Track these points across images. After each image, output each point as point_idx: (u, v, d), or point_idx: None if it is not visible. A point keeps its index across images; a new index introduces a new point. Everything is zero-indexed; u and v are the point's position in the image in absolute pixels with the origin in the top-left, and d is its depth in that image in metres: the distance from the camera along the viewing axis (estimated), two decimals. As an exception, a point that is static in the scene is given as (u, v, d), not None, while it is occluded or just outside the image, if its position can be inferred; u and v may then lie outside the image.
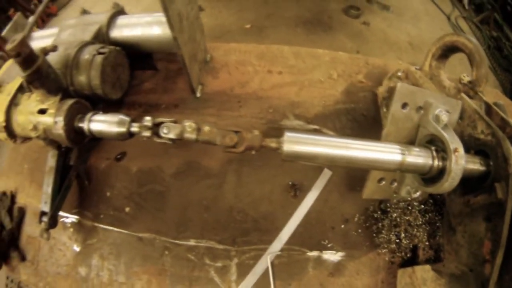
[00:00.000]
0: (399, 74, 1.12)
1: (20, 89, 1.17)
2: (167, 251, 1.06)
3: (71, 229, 1.22)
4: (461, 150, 0.68)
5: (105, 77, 1.07)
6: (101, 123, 0.93)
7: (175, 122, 0.78)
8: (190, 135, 0.79)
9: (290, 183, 1.11)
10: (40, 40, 1.54)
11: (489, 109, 0.87)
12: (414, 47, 2.04)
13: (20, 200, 1.47)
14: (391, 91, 1.18)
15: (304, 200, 1.10)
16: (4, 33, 1.47)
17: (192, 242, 1.06)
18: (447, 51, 1.02)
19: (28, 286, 1.40)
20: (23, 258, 1.35)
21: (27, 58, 0.94)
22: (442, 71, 1.00)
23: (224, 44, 1.34)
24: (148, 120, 0.83)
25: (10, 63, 1.39)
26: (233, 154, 0.77)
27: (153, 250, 1.07)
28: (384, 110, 1.18)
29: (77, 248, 1.19)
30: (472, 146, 0.84)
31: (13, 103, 1.13)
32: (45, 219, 1.16)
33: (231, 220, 1.07)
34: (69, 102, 1.00)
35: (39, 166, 1.49)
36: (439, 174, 0.76)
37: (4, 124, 1.12)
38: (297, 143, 0.74)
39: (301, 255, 1.05)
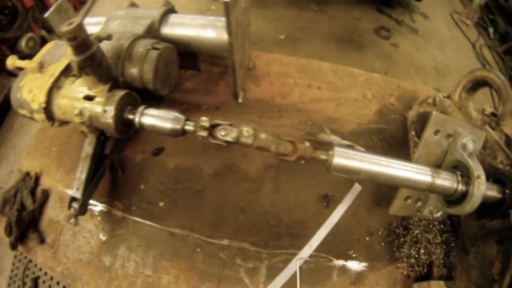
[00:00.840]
0: (429, 100, 1.27)
1: (64, 72, 1.23)
2: (199, 248, 1.16)
3: (99, 218, 1.30)
4: (483, 177, 0.84)
5: (157, 73, 1.18)
6: (155, 118, 1.00)
7: (231, 125, 0.88)
8: (246, 140, 0.90)
9: (324, 194, 1.24)
10: (86, 26, 1.60)
11: (509, 141, 1.03)
12: (439, 73, 2.26)
13: (45, 183, 1.53)
14: (421, 116, 1.35)
15: (335, 211, 1.24)
16: (47, 14, 1.54)
17: (225, 242, 1.17)
18: (476, 85, 1.19)
19: (43, 269, 1.43)
20: (42, 241, 1.43)
21: (82, 43, 0.98)
22: (470, 103, 1.17)
23: (267, 53, 1.47)
24: (205, 120, 0.94)
25: (51, 44, 1.44)
26: (282, 161, 0.88)
27: (184, 246, 1.16)
28: (413, 133, 1.34)
29: (103, 237, 1.26)
30: (491, 174, 1.00)
31: (55, 86, 1.19)
32: (75, 205, 1.22)
33: (265, 223, 1.19)
34: (121, 92, 1.06)
35: (68, 151, 1.56)
36: (461, 197, 0.91)
37: (44, 105, 1.17)
38: (345, 157, 0.87)
39: (327, 262, 1.18)
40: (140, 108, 1.01)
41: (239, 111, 1.38)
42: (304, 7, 2.45)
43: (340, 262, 1.21)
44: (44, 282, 1.70)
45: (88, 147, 1.30)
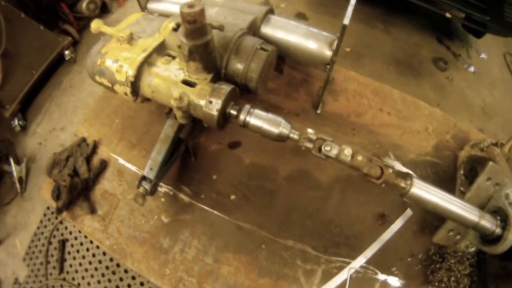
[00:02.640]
0: (481, 146, 1.57)
1: (157, 49, 1.33)
2: (264, 245, 1.38)
3: (162, 199, 1.47)
4: None
5: (262, 73, 1.31)
6: (263, 120, 1.13)
7: (333, 141, 1.06)
8: (344, 158, 1.12)
9: (381, 212, 1.50)
10: (171, 4, 1.68)
11: None
12: (485, 113, 2.66)
13: (102, 153, 1.66)
14: (471, 159, 1.65)
15: (388, 230, 1.53)
16: None
17: (289, 243, 1.40)
18: None
19: (86, 237, 1.53)
20: (92, 211, 1.54)
21: (200, 29, 1.05)
22: None
23: (344, 69, 1.68)
24: (312, 133, 1.12)
25: (139, 16, 1.53)
26: (368, 181, 1.13)
27: (250, 241, 1.39)
28: (461, 172, 1.66)
29: (164, 219, 1.45)
30: None
31: (147, 61, 1.26)
32: (146, 185, 1.39)
33: (328, 231, 1.44)
34: (228, 87, 1.16)
35: (133, 126, 1.70)
36: (496, 238, 1.21)
37: (132, 79, 1.23)
38: (421, 189, 1.15)
39: (373, 274, 1.47)
40: (247, 107, 1.16)
41: (317, 121, 1.60)
42: (371, 24, 2.79)
43: (383, 277, 1.51)
44: (72, 246, 1.85)
45: (169, 129, 1.43)
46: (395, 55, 2.85)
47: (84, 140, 1.81)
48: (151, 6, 1.83)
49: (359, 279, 1.50)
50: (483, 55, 3.19)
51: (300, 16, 3.00)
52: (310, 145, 1.10)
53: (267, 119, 1.12)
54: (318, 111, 1.69)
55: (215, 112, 1.10)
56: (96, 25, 1.38)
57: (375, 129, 1.71)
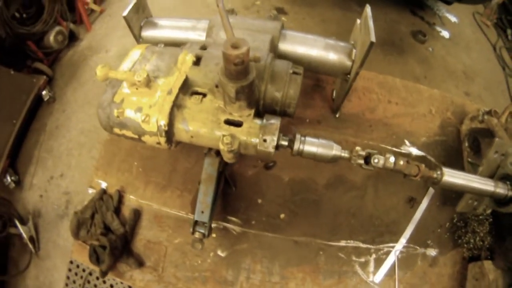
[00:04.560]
0: (480, 118, 1.79)
1: (182, 88, 1.23)
2: (321, 251, 1.52)
3: (214, 235, 1.53)
4: None
5: (298, 97, 1.31)
6: (317, 147, 1.18)
7: (379, 153, 1.25)
8: (389, 165, 1.25)
9: (410, 197, 1.69)
10: (179, 31, 1.63)
11: None
12: (467, 77, 2.96)
13: (130, 202, 1.64)
14: (473, 131, 1.86)
15: (417, 210, 1.70)
16: (125, 14, 1.60)
17: (342, 243, 1.55)
18: None
19: (122, 283, 1.65)
20: (140, 264, 1.52)
21: (246, 68, 1.01)
22: None
23: None
24: (360, 149, 1.24)
25: (143, 49, 1.43)
26: (408, 179, 1.29)
27: (308, 251, 1.51)
28: (466, 144, 1.86)
29: (222, 254, 1.49)
30: None
31: (175, 105, 1.17)
32: (201, 229, 1.38)
33: (371, 224, 1.61)
34: (277, 121, 1.17)
35: (156, 166, 1.68)
36: (509, 199, 1.48)
37: (166, 128, 1.14)
38: (450, 176, 1.34)
39: (414, 251, 1.68)
40: (298, 137, 1.20)
41: (338, 125, 1.72)
42: (347, 8, 2.96)
43: (422, 250, 1.74)
44: None
45: (210, 168, 1.44)
46: (378, 36, 2.99)
47: (104, 192, 1.71)
48: (146, 34, 1.73)
49: (404, 258, 1.71)
50: (454, 19, 3.48)
51: (280, 11, 3.01)
52: (361, 161, 1.19)
53: (320, 145, 1.18)
54: (337, 115, 1.81)
55: (271, 150, 1.12)
56: (102, 72, 1.17)
57: (389, 121, 1.89)
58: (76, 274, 2.14)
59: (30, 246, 2.25)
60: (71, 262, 2.16)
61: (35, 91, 2.48)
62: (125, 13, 1.59)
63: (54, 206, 2.36)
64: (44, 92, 2.53)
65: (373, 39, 1.28)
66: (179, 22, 1.69)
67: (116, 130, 1.23)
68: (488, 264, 1.72)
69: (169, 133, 1.17)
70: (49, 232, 2.33)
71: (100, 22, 2.95)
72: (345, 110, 1.83)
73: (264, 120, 1.16)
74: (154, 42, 1.67)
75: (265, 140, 1.11)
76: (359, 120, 1.83)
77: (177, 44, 1.59)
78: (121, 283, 1.95)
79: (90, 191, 1.75)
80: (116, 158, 1.76)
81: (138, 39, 1.75)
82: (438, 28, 3.25)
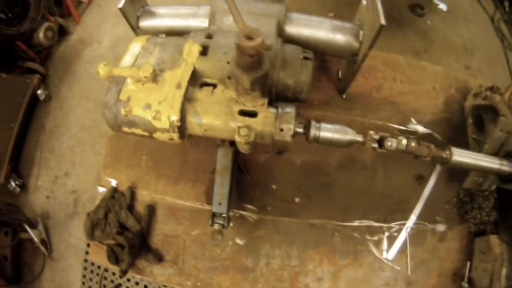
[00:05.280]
0: (483, 95, 1.81)
1: (190, 81, 1.16)
2: (336, 232, 1.56)
3: (231, 224, 1.53)
4: None
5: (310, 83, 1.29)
6: (333, 132, 1.17)
7: (392, 136, 1.21)
8: (402, 147, 1.26)
9: (418, 174, 1.73)
10: (179, 18, 1.58)
11: None
12: (467, 50, 2.98)
13: (144, 197, 1.62)
14: (477, 108, 1.88)
15: (426, 187, 1.75)
16: (121, 5, 1.51)
17: (356, 223, 1.59)
18: None
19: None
20: (159, 259, 1.53)
21: (260, 59, 0.99)
22: None
23: None
24: (373, 133, 1.24)
25: (144, 42, 1.37)
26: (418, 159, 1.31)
27: (324, 234, 1.56)
28: (470, 121, 1.89)
29: (240, 242, 1.52)
30: None
31: (186, 98, 1.13)
32: (220, 220, 1.38)
33: (382, 203, 1.66)
34: (293, 109, 1.15)
35: (166, 159, 1.68)
36: None
37: (179, 124, 1.11)
38: (459, 155, 1.39)
39: (424, 227, 1.74)
40: (314, 123, 1.19)
41: (346, 106, 1.74)
42: None
43: (431, 226, 1.79)
44: None
45: (224, 159, 1.43)
46: (375, 10, 2.98)
47: (115, 190, 1.69)
48: (144, 24, 1.64)
49: (414, 234, 1.77)
50: None
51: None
52: (375, 145, 1.20)
53: (335, 130, 1.17)
54: (344, 96, 1.81)
55: (289, 139, 1.11)
56: (105, 70, 1.10)
57: (395, 99, 1.89)
58: (92, 271, 2.17)
59: (43, 249, 2.25)
60: (86, 261, 2.17)
61: (30, 91, 2.43)
62: (120, 5, 1.49)
63: (62, 206, 2.35)
64: (39, 92, 2.49)
65: (383, 22, 1.24)
66: (179, 9, 1.61)
67: (125, 129, 1.20)
68: (494, 239, 1.78)
69: (182, 128, 1.14)
70: (60, 232, 2.33)
71: (89, 13, 2.86)
72: (352, 90, 1.81)
73: (279, 109, 1.14)
74: (154, 32, 1.57)
75: (281, 130, 1.09)
76: (366, 100, 1.83)
77: (178, 33, 1.54)
78: (133, 276, 1.97)
79: (100, 189, 1.72)
80: (123, 153, 1.74)
81: (136, 30, 1.66)
82: (436, 1, 3.22)
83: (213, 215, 1.36)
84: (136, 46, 1.36)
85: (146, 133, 1.17)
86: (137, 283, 2.07)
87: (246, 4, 1.54)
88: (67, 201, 2.29)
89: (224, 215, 1.35)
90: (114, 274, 2.12)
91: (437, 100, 2.03)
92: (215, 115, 1.12)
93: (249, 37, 0.90)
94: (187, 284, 1.58)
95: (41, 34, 2.50)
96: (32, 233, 2.22)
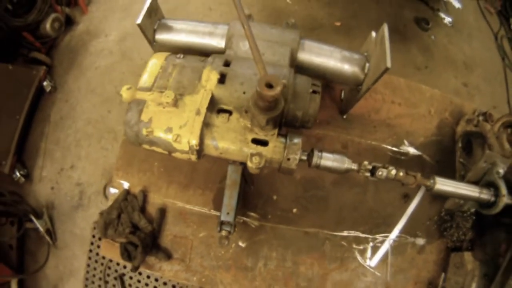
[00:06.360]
0: (475, 122, 2.14)
1: (208, 107, 1.35)
2: (327, 240, 1.92)
3: (235, 228, 1.83)
4: (506, 194, 1.80)
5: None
6: (332, 161, 1.45)
7: (383, 167, 1.51)
8: (391, 177, 1.56)
9: (404, 193, 2.07)
10: (193, 35, 1.76)
11: None
12: (467, 67, 3.27)
13: (155, 200, 1.95)
14: (467, 134, 2.20)
15: (410, 205, 2.10)
16: (140, 21, 1.67)
17: (345, 233, 1.95)
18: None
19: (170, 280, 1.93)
20: (168, 257, 1.85)
21: (277, 101, 1.19)
22: (505, 135, 2.05)
23: None
24: (367, 163, 1.54)
25: (162, 61, 1.58)
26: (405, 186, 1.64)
27: (316, 241, 1.90)
28: (459, 145, 2.22)
29: (242, 244, 1.85)
30: (509, 186, 1.85)
31: (204, 123, 1.33)
32: (227, 228, 1.68)
33: (370, 217, 2.01)
34: (299, 139, 1.40)
35: (177, 167, 1.97)
36: (491, 204, 1.86)
37: (197, 148, 1.31)
38: (442, 184, 1.68)
39: (405, 240, 2.10)
40: (316, 152, 1.46)
41: (346, 126, 2.04)
42: None
43: (412, 239, 2.16)
44: (131, 278, 2.21)
45: (234, 175, 1.73)
46: (382, 21, 3.20)
47: (128, 192, 1.95)
48: (161, 37, 1.82)
49: (396, 246, 2.13)
50: (458, 5, 3.70)
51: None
52: (368, 174, 1.51)
53: (335, 159, 1.46)
54: (344, 117, 2.10)
55: (294, 167, 1.36)
56: (128, 94, 1.33)
57: (391, 122, 2.20)
58: (96, 261, 2.48)
59: (48, 238, 2.53)
60: (90, 251, 2.48)
61: (36, 83, 2.62)
62: (138, 21, 1.63)
63: (67, 197, 2.63)
64: (45, 83, 2.68)
65: (389, 64, 1.48)
66: (196, 26, 1.79)
67: (145, 146, 1.40)
68: (468, 256, 2.10)
69: (200, 150, 1.34)
70: (65, 223, 2.61)
71: (96, 3, 3.02)
72: (352, 111, 2.08)
73: (288, 140, 1.38)
74: (170, 47, 1.82)
75: (289, 159, 1.34)
76: (364, 121, 2.13)
77: (194, 50, 1.78)
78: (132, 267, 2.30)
79: (112, 190, 1.98)
80: (136, 158, 1.99)
81: (152, 42, 1.82)
82: (442, 14, 3.47)
83: (221, 223, 1.63)
84: (154, 64, 1.56)
85: (166, 152, 1.39)
86: (140, 273, 2.41)
87: (261, 30, 1.75)
88: (72, 193, 2.56)
89: (231, 223, 1.63)
90: (118, 264, 2.43)
91: (430, 124, 2.34)
92: (231, 141, 1.33)
93: (269, 85, 1.07)
94: (192, 280, 1.90)
95: (48, 25, 2.67)
96: (37, 223, 2.48)
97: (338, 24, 2.85)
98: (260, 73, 1.20)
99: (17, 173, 2.56)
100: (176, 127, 1.29)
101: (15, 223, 2.48)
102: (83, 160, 2.58)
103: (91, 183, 2.51)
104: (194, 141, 1.28)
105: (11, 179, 2.57)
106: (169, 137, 1.30)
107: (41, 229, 2.47)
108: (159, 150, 1.40)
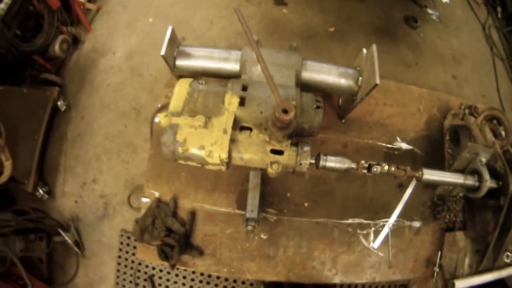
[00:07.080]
0: (461, 116, 2.81)
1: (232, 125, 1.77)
2: (335, 228, 2.57)
3: (258, 223, 2.46)
4: (488, 179, 2.43)
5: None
6: (334, 162, 1.90)
7: (377, 164, 2.14)
8: (384, 171, 2.19)
9: (399, 183, 2.74)
10: (209, 60, 2.36)
11: (506, 155, 2.65)
12: (455, 60, 3.90)
13: (185, 205, 2.56)
14: (454, 127, 2.87)
15: (405, 193, 2.78)
16: (163, 52, 2.20)
17: (350, 221, 2.61)
18: (493, 118, 2.75)
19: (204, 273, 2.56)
20: (201, 253, 2.47)
21: (291, 123, 1.58)
22: (487, 128, 2.72)
23: None
24: (364, 162, 2.13)
25: (186, 87, 2.06)
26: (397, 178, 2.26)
27: (326, 229, 2.56)
28: (447, 138, 2.90)
29: (264, 236, 2.49)
30: (492, 172, 2.22)
31: (230, 140, 1.72)
32: (252, 223, 2.33)
33: (371, 205, 2.67)
34: (308, 147, 1.83)
35: (203, 175, 2.58)
36: (476, 189, 2.50)
37: (227, 160, 1.73)
38: (429, 175, 2.34)
39: (403, 223, 2.78)
40: (322, 155, 2.00)
41: (344, 129, 2.68)
42: None
43: (409, 223, 2.82)
44: (160, 278, 2.85)
45: (255, 179, 2.37)
46: (373, 24, 3.87)
47: (159, 200, 2.49)
48: (181, 63, 2.32)
49: (395, 229, 2.77)
50: (446, 0, 4.34)
51: (279, 3, 3.75)
52: (365, 171, 2.13)
53: (337, 161, 1.99)
54: (343, 121, 2.74)
55: (305, 170, 1.79)
56: (166, 121, 1.78)
57: (384, 122, 2.81)
58: (125, 266, 3.07)
59: (76, 249, 3.04)
60: (119, 256, 3.07)
61: (51, 104, 3.11)
62: (162, 52, 2.10)
63: (92, 209, 3.17)
64: (59, 103, 3.18)
65: (377, 81, 2.01)
66: (212, 52, 2.31)
67: (181, 161, 1.78)
68: (460, 235, 2.63)
69: (229, 162, 1.74)
70: (91, 233, 3.15)
71: (99, 21, 3.49)
72: (349, 115, 2.65)
73: (299, 149, 1.89)
74: (189, 72, 2.36)
75: (301, 164, 1.86)
76: (361, 123, 2.72)
77: (212, 73, 2.35)
78: (166, 268, 2.93)
79: (144, 200, 2.51)
80: (164, 170, 2.52)
81: (173, 68, 2.33)
82: (430, 11, 4.10)
83: (247, 220, 2.25)
84: (180, 90, 2.02)
85: (199, 165, 1.76)
86: (168, 273, 3.03)
87: (269, 55, 2.30)
88: (97, 205, 3.10)
89: (255, 219, 2.26)
90: (147, 266, 3.04)
91: (420, 120, 2.99)
92: (253, 153, 1.73)
93: (285, 110, 1.57)
94: (223, 271, 2.47)
95: (57, 47, 3.14)
96: (66, 236, 2.99)
97: (331, 30, 3.39)
98: (276, 100, 1.74)
99: (40, 191, 3.03)
100: (208, 145, 1.68)
101: (43, 238, 2.97)
102: (104, 174, 3.12)
103: (114, 194, 3.05)
104: (224, 155, 1.68)
105: (34, 197, 3.03)
106: (202, 153, 1.69)
107: (69, 241, 2.96)
108: (193, 164, 1.87)
